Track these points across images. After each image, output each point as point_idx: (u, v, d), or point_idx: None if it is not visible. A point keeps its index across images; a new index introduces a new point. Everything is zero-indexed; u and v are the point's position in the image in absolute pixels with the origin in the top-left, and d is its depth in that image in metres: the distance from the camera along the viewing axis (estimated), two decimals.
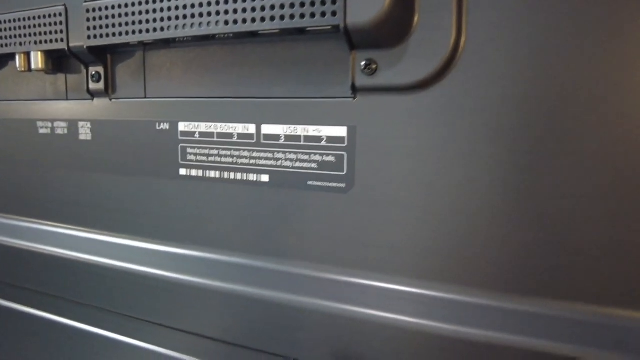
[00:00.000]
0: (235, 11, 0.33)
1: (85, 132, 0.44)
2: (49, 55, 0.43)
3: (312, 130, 0.34)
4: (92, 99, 0.43)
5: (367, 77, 0.32)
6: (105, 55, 0.41)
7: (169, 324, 0.40)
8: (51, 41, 0.41)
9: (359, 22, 0.29)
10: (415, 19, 0.30)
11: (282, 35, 0.34)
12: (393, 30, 0.30)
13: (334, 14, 0.30)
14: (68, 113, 0.45)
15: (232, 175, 0.38)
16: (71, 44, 0.40)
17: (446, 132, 0.30)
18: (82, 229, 0.45)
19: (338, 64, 0.33)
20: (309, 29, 0.32)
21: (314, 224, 0.35)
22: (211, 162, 0.38)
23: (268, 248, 0.37)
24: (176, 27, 0.35)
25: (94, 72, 0.42)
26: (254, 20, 0.32)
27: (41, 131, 0.47)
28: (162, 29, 0.35)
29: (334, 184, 0.34)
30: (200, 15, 0.34)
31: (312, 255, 0.35)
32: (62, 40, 0.40)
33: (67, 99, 0.45)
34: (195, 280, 0.39)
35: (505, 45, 0.28)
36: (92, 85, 0.42)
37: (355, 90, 0.32)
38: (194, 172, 0.39)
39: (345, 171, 0.33)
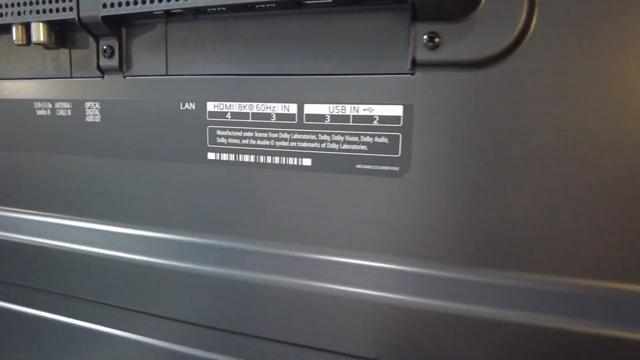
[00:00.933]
0: None
1: (93, 114, 0.40)
2: (52, 26, 0.38)
3: (362, 110, 0.32)
4: (102, 77, 0.39)
5: (429, 51, 0.30)
6: (120, 27, 0.37)
7: (199, 321, 0.37)
8: (57, 10, 0.36)
9: None
10: None
11: (331, 5, 0.31)
12: (461, 2, 0.28)
13: None
14: (72, 92, 0.40)
15: (269, 159, 0.35)
16: (82, 14, 0.36)
17: (511, 111, 0.29)
18: (90, 221, 0.41)
19: (394, 37, 0.31)
20: None
21: (362, 210, 0.33)
22: (245, 145, 0.35)
23: (309, 237, 0.34)
24: None
25: (105, 47, 0.38)
26: None
27: (39, 112, 0.42)
28: None
29: (387, 167, 0.32)
30: None
31: (359, 243, 0.33)
32: (70, 9, 0.36)
33: (71, 77, 0.40)
34: (230, 273, 0.35)
35: (578, 22, 0.27)
36: (104, 61, 0.38)
37: (414, 65, 0.30)
38: (224, 156, 0.36)
39: (399, 153, 0.31)
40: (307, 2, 0.31)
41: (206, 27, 0.35)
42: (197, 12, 0.34)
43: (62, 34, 0.40)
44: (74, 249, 0.41)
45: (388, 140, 0.32)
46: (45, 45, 0.40)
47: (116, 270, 0.39)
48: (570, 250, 0.28)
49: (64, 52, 0.40)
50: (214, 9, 0.33)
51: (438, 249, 0.31)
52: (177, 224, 0.38)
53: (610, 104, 0.27)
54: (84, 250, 0.41)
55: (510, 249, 0.29)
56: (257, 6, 0.32)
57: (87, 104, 0.40)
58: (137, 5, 0.34)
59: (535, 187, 0.28)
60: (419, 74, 0.30)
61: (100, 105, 0.40)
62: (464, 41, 0.29)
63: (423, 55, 0.30)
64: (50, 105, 0.41)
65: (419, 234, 0.31)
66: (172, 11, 0.34)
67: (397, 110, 0.31)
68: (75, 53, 0.40)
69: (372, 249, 0.32)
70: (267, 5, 0.32)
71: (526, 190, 0.29)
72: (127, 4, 0.34)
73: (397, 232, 0.32)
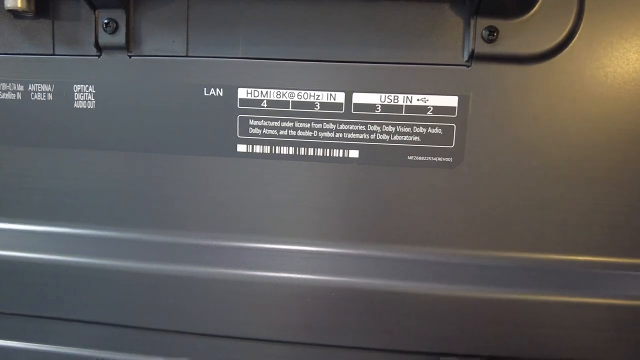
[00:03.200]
0: None
1: (84, 99, 0.34)
2: None
3: (416, 100, 0.32)
4: (99, 55, 0.33)
5: (487, 44, 0.30)
6: None
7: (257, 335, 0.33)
8: None
9: None
10: None
11: None
12: (521, 1, 0.29)
13: None
14: (55, 73, 0.34)
15: (310, 151, 0.33)
16: None
17: (559, 105, 0.31)
18: (82, 226, 0.34)
19: (450, 29, 0.31)
20: None
21: (413, 202, 0.32)
22: (283, 136, 0.33)
23: (355, 232, 0.33)
24: None
25: (107, 20, 0.32)
26: None
27: (3, 96, 0.34)
28: None
29: (440, 159, 0.32)
30: None
31: (411, 236, 0.32)
32: None
33: (53, 54, 0.33)
34: (268, 275, 0.32)
35: (620, 30, 0.30)
36: (104, 37, 0.32)
37: (472, 57, 0.30)
38: (257, 148, 0.33)
39: (453, 144, 0.32)
40: None
41: (241, 4, 0.32)
42: None
43: (44, 0, 0.33)
44: (63, 260, 0.34)
45: (442, 131, 0.32)
46: (17, 13, 0.32)
47: (142, 283, 0.33)
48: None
49: (43, 24, 0.33)
50: None
51: (492, 238, 0.32)
52: (199, 225, 0.34)
53: None
54: (71, 262, 0.34)
55: (566, 235, 0.31)
56: None
57: (77, 87, 0.33)
58: None
59: (580, 176, 0.31)
60: (475, 65, 0.31)
61: (95, 89, 0.33)
62: (518, 37, 0.30)
63: (481, 48, 0.30)
64: (21, 88, 0.34)
65: (472, 224, 0.32)
66: None
67: (452, 100, 0.31)
68: (60, 25, 0.33)
69: (424, 242, 0.32)
70: None
71: (581, 180, 0.31)
72: None
73: (450, 223, 0.32)
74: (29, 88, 0.34)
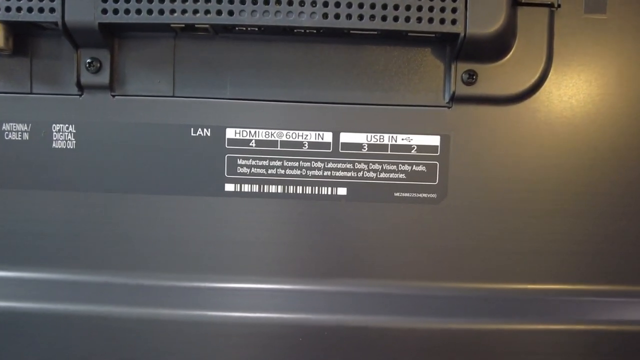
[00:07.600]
0: (337, 4, 0.29)
1: (64, 138, 0.32)
2: (10, 28, 0.30)
3: (401, 139, 0.33)
4: (80, 95, 0.32)
5: (467, 87, 0.32)
6: (113, 38, 0.31)
7: None
8: (30, 10, 0.29)
9: (478, 34, 0.30)
10: (516, 39, 0.31)
11: (376, 37, 0.31)
12: (499, 46, 0.31)
13: (453, 22, 0.29)
14: (31, 112, 0.32)
15: (299, 189, 0.33)
16: (69, 18, 0.29)
17: (534, 143, 0.33)
18: (62, 271, 0.33)
19: (431, 72, 0.32)
20: (415, 34, 0.30)
21: (402, 237, 0.33)
22: (272, 175, 0.33)
23: (345, 269, 0.33)
24: (241, 12, 0.29)
25: (90, 59, 0.31)
26: (361, 17, 0.29)
27: None
28: (230, 13, 0.29)
29: (425, 195, 0.33)
30: (289, 3, 0.29)
31: (400, 271, 0.33)
32: (51, 10, 0.29)
33: (30, 93, 0.32)
34: (260, 316, 0.32)
35: (586, 73, 0.32)
36: (86, 77, 0.32)
37: (452, 99, 0.32)
38: (246, 187, 0.33)
39: (437, 181, 0.33)
40: (353, 32, 0.31)
41: (229, 47, 0.32)
42: (221, 30, 0.31)
43: (22, 38, 0.31)
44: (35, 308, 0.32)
45: (426, 168, 0.33)
46: None
47: (135, 328, 0.32)
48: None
49: (20, 61, 0.32)
50: (244, 29, 0.31)
51: (476, 270, 0.33)
52: (188, 266, 0.33)
53: (609, 140, 0.33)
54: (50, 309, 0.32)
55: (540, 265, 0.33)
56: (295, 30, 0.31)
57: (56, 127, 0.32)
58: (152, 16, 0.29)
59: (554, 208, 0.33)
60: (455, 106, 0.32)
61: (75, 129, 0.32)
62: (496, 80, 0.32)
63: (461, 90, 0.32)
64: None
65: (458, 257, 0.33)
66: (198, 26, 0.30)
67: (434, 140, 0.33)
68: (39, 63, 0.32)
69: (412, 276, 0.33)
70: (307, 31, 0.31)
71: (557, 214, 0.33)
72: (138, 12, 0.29)
73: (437, 257, 0.33)
74: (3, 127, 0.32)
